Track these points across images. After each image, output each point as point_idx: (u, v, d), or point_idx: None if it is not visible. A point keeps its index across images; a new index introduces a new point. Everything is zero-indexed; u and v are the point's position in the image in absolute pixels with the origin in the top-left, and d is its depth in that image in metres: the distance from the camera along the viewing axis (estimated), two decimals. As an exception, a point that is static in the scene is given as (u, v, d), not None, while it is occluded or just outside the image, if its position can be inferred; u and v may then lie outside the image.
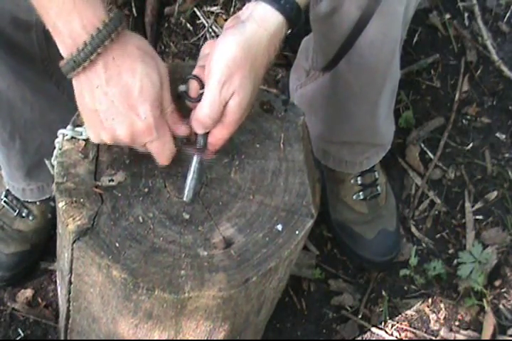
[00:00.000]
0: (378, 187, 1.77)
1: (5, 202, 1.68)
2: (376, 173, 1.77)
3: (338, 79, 1.53)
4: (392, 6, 1.33)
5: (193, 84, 1.07)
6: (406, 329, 1.76)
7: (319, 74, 1.62)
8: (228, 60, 1.01)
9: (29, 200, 1.66)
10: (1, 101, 1.41)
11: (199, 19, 2.00)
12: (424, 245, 1.85)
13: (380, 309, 1.77)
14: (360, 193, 1.76)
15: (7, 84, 1.38)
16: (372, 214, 1.77)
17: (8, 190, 1.68)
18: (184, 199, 1.10)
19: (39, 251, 1.72)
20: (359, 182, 1.75)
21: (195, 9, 2.00)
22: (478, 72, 2.05)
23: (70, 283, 1.20)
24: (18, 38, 1.35)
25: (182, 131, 1.07)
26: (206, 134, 1.08)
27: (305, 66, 1.69)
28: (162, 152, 1.06)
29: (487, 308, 1.76)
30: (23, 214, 1.68)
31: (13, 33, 1.33)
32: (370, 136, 1.66)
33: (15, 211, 1.68)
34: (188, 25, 1.99)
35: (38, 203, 1.67)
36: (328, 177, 1.79)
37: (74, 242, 1.06)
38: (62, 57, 1.01)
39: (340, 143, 1.68)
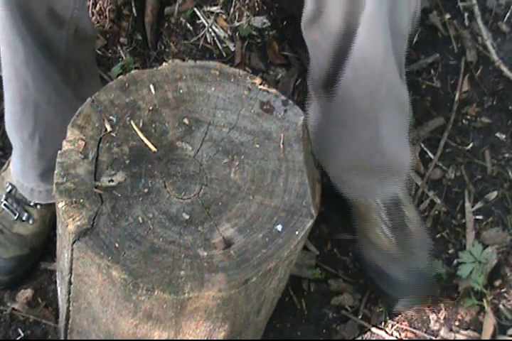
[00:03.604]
0: (408, 223, 1.70)
1: (5, 205, 1.68)
2: (404, 209, 1.70)
3: (339, 96, 1.51)
4: (374, 7, 1.31)
5: None
6: (406, 329, 1.76)
7: (321, 95, 1.60)
8: None
9: (36, 201, 1.65)
10: (28, 102, 1.41)
11: (199, 19, 2.00)
12: (424, 245, 1.85)
13: (380, 309, 1.77)
14: (389, 231, 1.69)
15: (36, 86, 1.39)
16: (402, 252, 1.69)
17: (8, 193, 1.67)
18: None
19: (38, 254, 1.72)
20: (385, 218, 1.69)
21: (195, 9, 2.00)
22: (478, 72, 2.05)
23: (70, 283, 1.20)
24: (51, 35, 1.36)
25: None
26: None
27: (312, 93, 1.67)
28: None
29: (487, 308, 1.76)
30: (23, 218, 1.67)
31: (48, 27, 1.34)
32: (377, 158, 1.60)
33: (15, 214, 1.67)
34: (188, 25, 1.99)
35: (38, 207, 1.66)
36: (354, 213, 1.73)
37: (74, 243, 1.07)
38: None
39: (353, 169, 1.63)
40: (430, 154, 1.94)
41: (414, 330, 1.76)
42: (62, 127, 1.39)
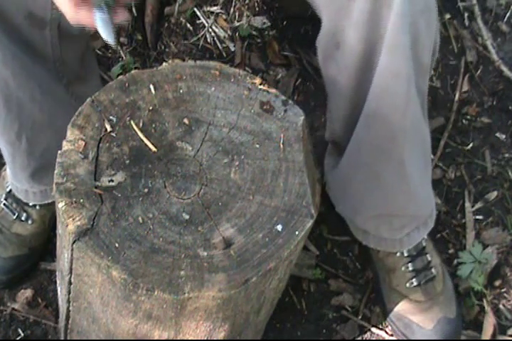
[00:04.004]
0: (433, 270, 1.69)
1: (4, 204, 1.68)
2: (428, 256, 1.69)
3: (360, 136, 1.45)
4: (395, 38, 1.25)
5: None
6: (406, 329, 1.76)
7: (345, 139, 1.53)
8: None
9: (31, 203, 1.65)
10: (11, 101, 1.40)
11: (199, 19, 2.00)
12: (424, 245, 1.84)
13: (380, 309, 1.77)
14: (414, 280, 1.67)
15: (18, 83, 1.38)
16: (430, 302, 1.68)
17: (8, 193, 1.67)
18: (113, 43, 1.08)
19: (37, 255, 1.72)
20: (410, 268, 1.67)
21: (195, 9, 2.00)
22: (478, 72, 2.05)
23: (70, 283, 1.20)
24: (32, 36, 1.36)
25: None
26: None
27: (336, 145, 1.63)
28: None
29: (487, 308, 1.76)
30: (22, 218, 1.67)
31: (28, 30, 1.33)
32: (404, 204, 1.56)
33: (14, 214, 1.67)
34: (188, 25, 1.99)
35: (37, 207, 1.66)
36: (378, 266, 1.73)
37: (74, 243, 1.07)
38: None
39: (377, 217, 1.59)
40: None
41: (414, 330, 1.75)
42: (50, 125, 1.39)
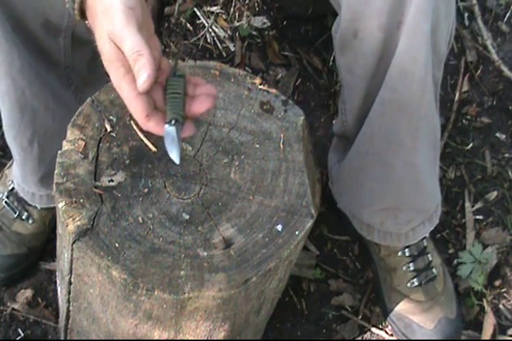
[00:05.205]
0: (433, 270, 1.69)
1: (6, 202, 1.68)
2: (429, 255, 1.70)
3: (373, 123, 1.43)
4: (417, 21, 1.24)
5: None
6: (406, 329, 1.76)
7: (354, 132, 1.51)
8: None
9: (37, 205, 1.65)
10: (26, 109, 1.41)
11: (199, 19, 2.00)
12: (424, 245, 1.84)
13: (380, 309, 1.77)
14: (415, 280, 1.68)
15: (33, 92, 1.39)
16: (430, 302, 1.69)
17: (10, 191, 1.68)
18: (177, 162, 1.05)
19: (36, 254, 1.72)
20: (411, 268, 1.68)
21: (195, 9, 2.00)
22: (478, 72, 2.05)
23: (70, 283, 1.20)
24: (47, 43, 1.36)
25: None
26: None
27: (343, 140, 1.62)
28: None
29: (487, 308, 1.76)
30: (23, 217, 1.67)
31: (44, 37, 1.34)
32: (412, 196, 1.54)
33: (15, 212, 1.67)
34: (188, 25, 1.99)
35: (39, 208, 1.67)
36: (379, 266, 1.73)
37: (74, 243, 1.07)
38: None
39: (384, 211, 1.58)
40: (430, 154, 1.94)
41: (414, 330, 1.75)
42: (61, 132, 1.40)
